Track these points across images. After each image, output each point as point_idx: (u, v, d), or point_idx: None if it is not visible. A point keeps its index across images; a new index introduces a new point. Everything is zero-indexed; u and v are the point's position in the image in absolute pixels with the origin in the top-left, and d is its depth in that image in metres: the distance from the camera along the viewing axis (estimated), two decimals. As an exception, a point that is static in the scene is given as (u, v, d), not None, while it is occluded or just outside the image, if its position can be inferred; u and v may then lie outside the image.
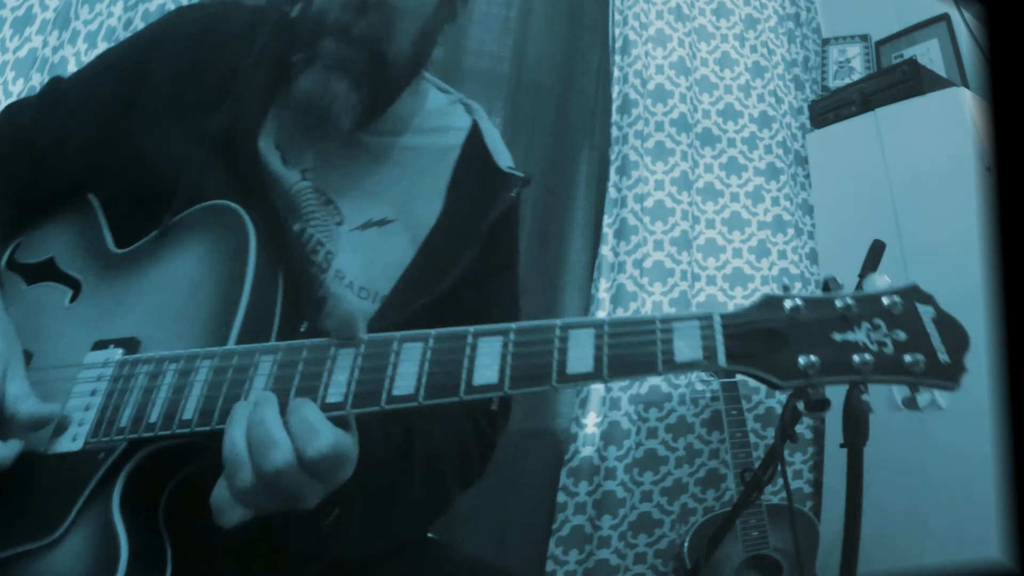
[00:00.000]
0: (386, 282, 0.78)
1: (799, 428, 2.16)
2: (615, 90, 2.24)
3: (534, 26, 2.18)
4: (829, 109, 2.44)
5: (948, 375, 0.52)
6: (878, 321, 0.53)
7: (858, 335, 0.53)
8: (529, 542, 1.90)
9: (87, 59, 1.43)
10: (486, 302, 0.83)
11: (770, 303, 0.54)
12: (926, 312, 0.54)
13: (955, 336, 0.54)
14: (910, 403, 0.50)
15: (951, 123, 2.04)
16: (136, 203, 0.77)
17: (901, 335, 0.53)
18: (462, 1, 0.85)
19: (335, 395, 0.56)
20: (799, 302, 0.54)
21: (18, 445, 0.60)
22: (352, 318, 0.58)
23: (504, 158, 0.86)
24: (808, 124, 2.55)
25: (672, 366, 0.53)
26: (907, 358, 0.52)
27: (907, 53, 2.46)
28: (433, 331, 0.57)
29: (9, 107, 0.89)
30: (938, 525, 1.81)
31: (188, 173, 0.74)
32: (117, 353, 0.66)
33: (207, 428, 0.58)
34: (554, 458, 1.97)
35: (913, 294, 0.54)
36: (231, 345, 0.62)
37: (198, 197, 0.73)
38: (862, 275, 1.53)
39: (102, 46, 1.47)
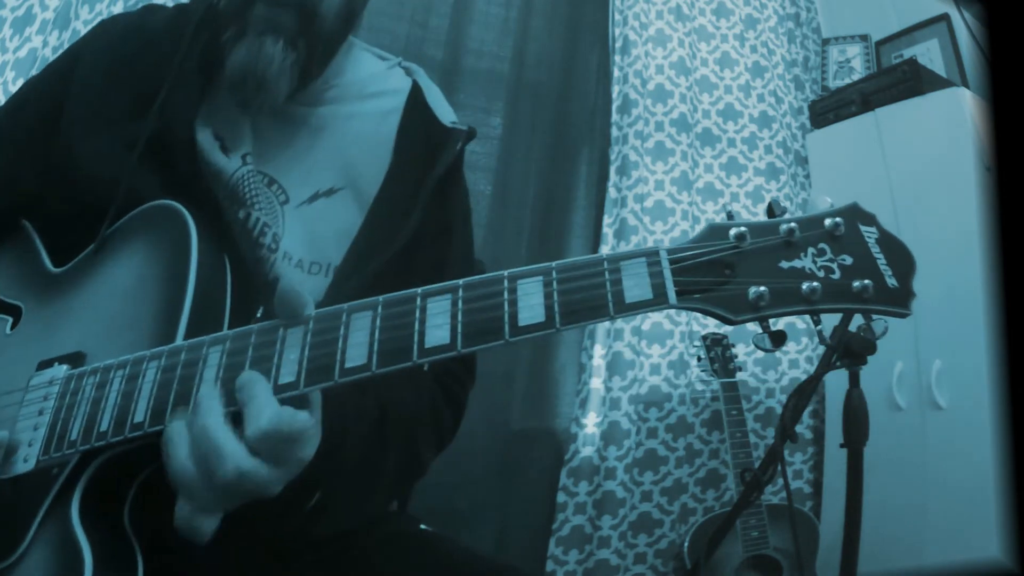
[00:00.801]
0: (337, 252, 0.77)
1: (799, 428, 2.16)
2: (615, 90, 2.24)
3: (534, 26, 2.18)
4: (829, 109, 2.44)
5: (898, 301, 0.52)
6: (823, 246, 0.52)
7: (804, 262, 0.52)
8: (529, 542, 1.90)
9: (87, 59, 1.44)
10: (441, 260, 0.82)
11: (715, 232, 0.53)
12: (869, 233, 0.53)
13: (901, 258, 0.53)
14: (866, 331, 0.49)
15: (951, 123, 2.04)
16: (72, 220, 0.75)
17: (847, 259, 0.52)
18: None
19: (287, 375, 0.55)
20: (743, 229, 0.52)
21: None
22: (289, 295, 0.56)
23: (447, 114, 0.85)
24: (808, 124, 2.55)
25: (623, 307, 0.51)
26: (855, 284, 0.51)
27: (907, 53, 2.46)
28: (381, 297, 0.55)
29: None
30: (938, 525, 1.81)
31: (122, 180, 0.73)
32: (62, 370, 0.65)
33: (161, 427, 0.56)
34: (554, 458, 1.97)
35: (855, 214, 0.53)
36: (179, 341, 0.61)
37: (135, 203, 0.72)
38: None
39: (102, 46, 1.47)
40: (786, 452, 1.65)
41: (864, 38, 2.67)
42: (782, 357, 2.30)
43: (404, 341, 0.53)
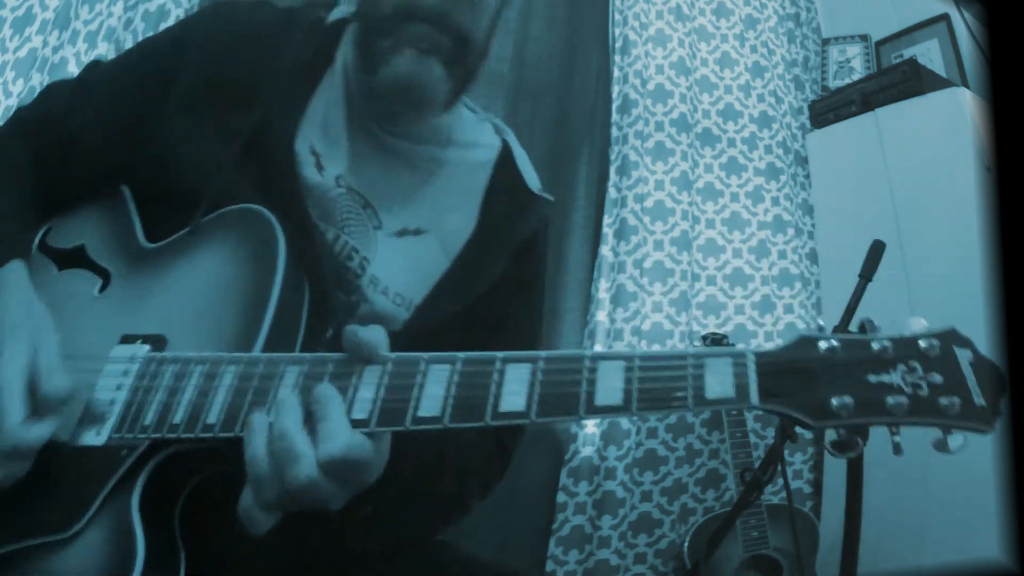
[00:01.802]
0: (419, 290, 0.80)
1: (799, 428, 2.16)
2: (615, 90, 2.24)
3: (534, 27, 2.18)
4: (829, 109, 2.44)
5: (983, 418, 0.51)
6: (914, 363, 0.52)
7: (893, 377, 0.52)
8: (529, 542, 1.90)
9: (87, 59, 1.44)
10: (510, 316, 0.85)
11: (805, 343, 0.53)
12: (963, 355, 0.53)
13: (991, 379, 0.52)
14: (940, 445, 0.50)
15: (951, 123, 2.04)
16: (166, 198, 0.76)
17: (937, 378, 0.51)
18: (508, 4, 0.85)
19: (360, 411, 0.56)
20: (835, 343, 0.53)
21: (51, 427, 0.59)
22: (364, 344, 0.58)
23: (534, 180, 0.89)
24: (808, 124, 2.55)
25: (702, 402, 0.52)
26: (942, 401, 0.51)
27: (907, 53, 2.46)
28: (461, 354, 0.57)
29: (50, 87, 0.89)
30: (938, 525, 1.81)
31: (219, 173, 0.74)
32: (144, 349, 0.66)
33: (230, 435, 0.57)
34: (554, 458, 1.97)
35: (951, 337, 0.53)
36: (257, 351, 0.62)
37: (228, 197, 0.73)
38: (863, 274, 1.54)
39: (102, 46, 1.47)
40: (786, 452, 1.65)
41: (864, 38, 2.66)
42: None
43: (479, 401, 0.55)
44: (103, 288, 0.74)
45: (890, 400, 0.51)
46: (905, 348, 0.53)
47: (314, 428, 0.54)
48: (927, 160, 2.08)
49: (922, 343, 0.52)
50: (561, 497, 1.93)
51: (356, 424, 0.55)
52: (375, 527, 0.67)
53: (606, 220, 2.14)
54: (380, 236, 0.80)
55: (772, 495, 1.90)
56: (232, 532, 0.55)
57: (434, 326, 0.76)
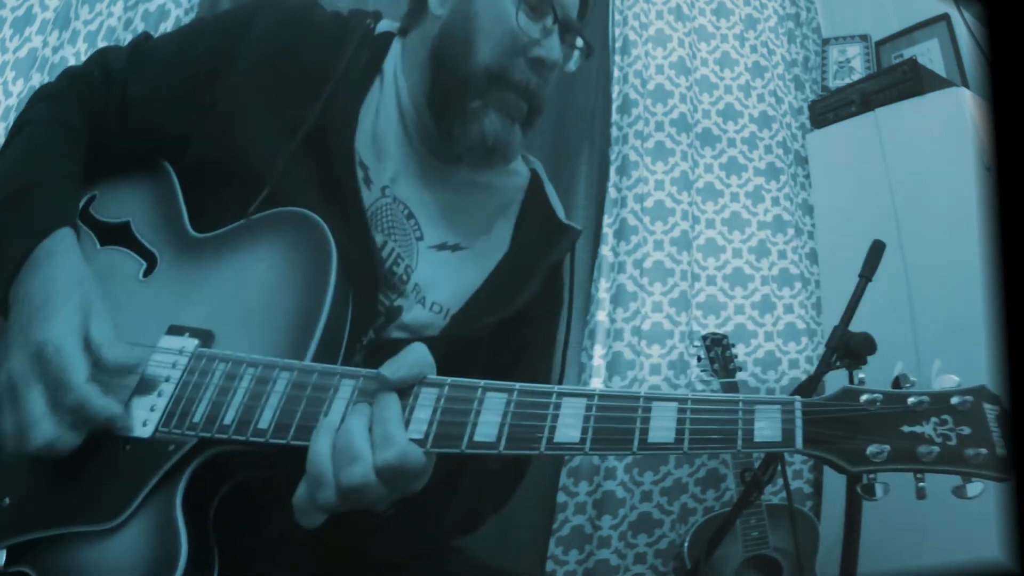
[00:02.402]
0: (456, 301, 0.83)
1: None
2: (615, 90, 2.24)
3: (534, 26, 2.18)
4: (829, 109, 2.44)
5: (1002, 468, 0.55)
6: (946, 417, 0.56)
7: (925, 428, 0.56)
8: (529, 542, 1.90)
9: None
10: (536, 338, 0.89)
11: (848, 395, 0.57)
12: (991, 411, 0.56)
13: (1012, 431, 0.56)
14: (960, 492, 0.55)
15: (951, 123, 2.04)
16: (216, 182, 0.76)
17: (966, 430, 0.55)
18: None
19: (416, 432, 0.58)
20: (877, 396, 0.57)
21: (118, 407, 0.59)
22: (410, 379, 0.59)
23: (560, 209, 0.93)
24: (808, 124, 2.55)
25: (751, 444, 0.56)
26: (969, 451, 0.55)
27: (907, 53, 2.46)
28: (517, 384, 0.59)
29: (102, 51, 0.88)
30: (938, 525, 1.81)
31: (276, 164, 0.74)
32: (192, 343, 0.65)
33: (282, 441, 0.58)
34: (554, 458, 1.97)
35: (982, 394, 0.57)
36: (308, 359, 0.63)
37: (284, 191, 0.73)
38: (863, 274, 1.54)
39: (102, 46, 1.47)
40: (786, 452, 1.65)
41: (864, 38, 2.66)
42: (782, 357, 2.30)
43: (535, 431, 0.57)
44: (147, 272, 0.73)
45: (922, 449, 0.55)
46: (939, 403, 0.57)
47: (374, 433, 0.56)
48: (927, 160, 2.08)
49: (955, 400, 0.57)
50: (561, 497, 1.93)
51: (413, 443, 0.57)
52: (392, 531, 0.67)
53: (606, 220, 2.14)
54: (422, 247, 0.83)
55: (772, 495, 1.90)
56: (261, 536, 0.55)
57: (468, 337, 0.79)
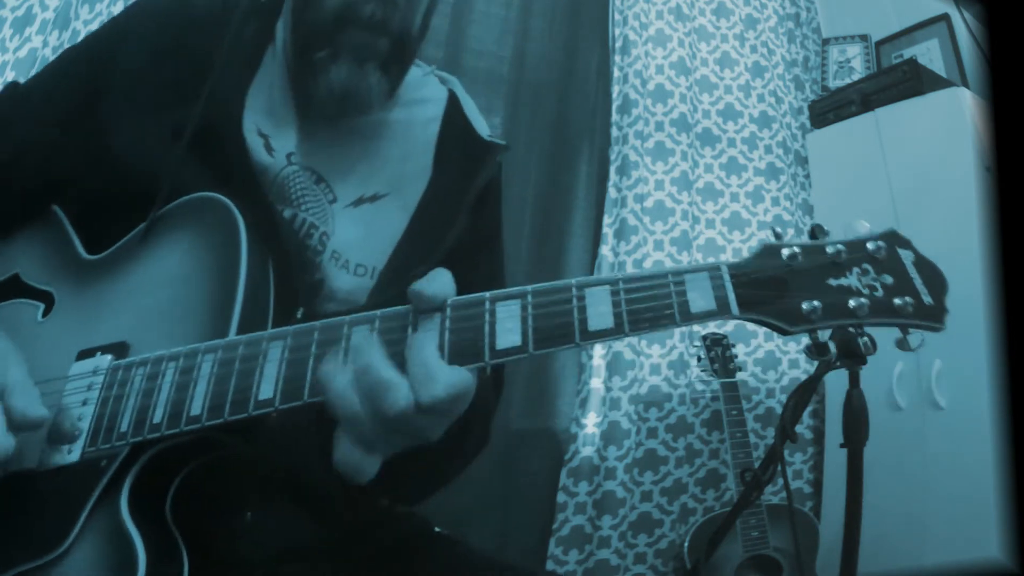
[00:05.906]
0: (381, 256, 0.78)
1: (799, 428, 2.16)
2: (615, 90, 2.24)
3: (534, 26, 2.18)
4: (829, 109, 2.44)
5: (934, 316, 0.56)
6: (866, 266, 0.57)
7: (850, 280, 0.56)
8: (529, 542, 1.90)
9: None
10: (476, 272, 0.83)
11: (769, 251, 0.57)
12: (907, 256, 0.58)
13: (934, 279, 0.58)
14: (903, 344, 0.56)
15: (951, 123, 2.04)
16: (108, 205, 0.74)
17: (888, 279, 0.56)
18: None
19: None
20: (796, 249, 0.56)
21: (11, 440, 0.57)
22: (433, 298, 0.56)
23: (483, 127, 0.87)
24: (808, 124, 2.55)
25: (688, 316, 0.54)
26: (896, 301, 0.55)
27: (907, 53, 2.46)
28: (448, 300, 0.57)
29: None
30: (938, 525, 1.81)
31: (167, 168, 0.71)
32: (106, 359, 0.64)
33: (220, 421, 0.57)
34: (554, 458, 1.97)
35: (893, 239, 0.58)
36: (232, 335, 0.61)
37: (180, 192, 0.71)
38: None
39: None
40: (786, 452, 1.65)
41: (864, 38, 2.67)
42: (782, 357, 2.30)
43: (476, 342, 0.55)
44: (47, 312, 0.72)
45: (852, 302, 0.55)
46: (856, 251, 0.57)
47: (411, 372, 0.53)
48: (927, 160, 2.08)
49: (869, 245, 0.57)
50: (561, 497, 1.93)
51: None
52: (391, 478, 0.66)
53: (606, 220, 2.14)
54: (336, 209, 0.79)
55: (772, 495, 1.90)
56: (239, 514, 0.54)
57: (400, 292, 0.73)
